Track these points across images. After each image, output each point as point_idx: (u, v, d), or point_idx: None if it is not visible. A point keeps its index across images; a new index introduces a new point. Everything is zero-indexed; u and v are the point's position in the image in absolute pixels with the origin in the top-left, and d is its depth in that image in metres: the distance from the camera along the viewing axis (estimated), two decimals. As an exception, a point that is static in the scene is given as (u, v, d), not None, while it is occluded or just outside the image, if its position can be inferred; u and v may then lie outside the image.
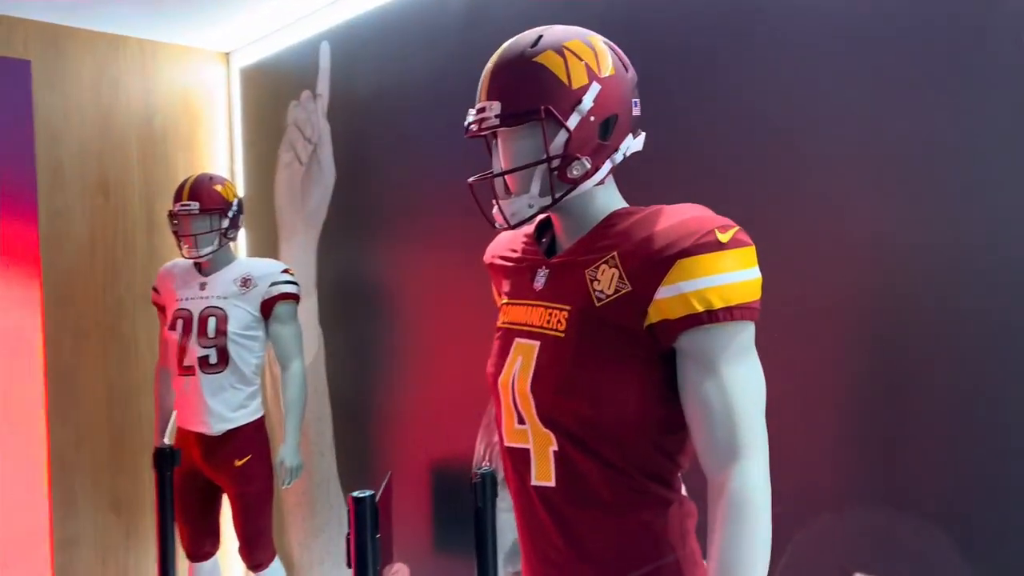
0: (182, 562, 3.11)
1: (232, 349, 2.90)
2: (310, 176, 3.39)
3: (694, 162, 2.04)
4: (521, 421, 1.33)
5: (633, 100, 1.33)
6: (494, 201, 1.34)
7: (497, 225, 1.34)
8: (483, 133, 1.31)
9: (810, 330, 1.84)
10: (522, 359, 1.33)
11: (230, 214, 2.97)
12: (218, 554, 3.11)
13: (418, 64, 2.85)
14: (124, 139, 3.53)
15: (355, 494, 2.11)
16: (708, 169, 2.02)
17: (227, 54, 3.76)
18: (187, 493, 2.98)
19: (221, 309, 2.91)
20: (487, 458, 2.65)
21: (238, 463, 2.94)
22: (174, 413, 3.06)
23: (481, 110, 1.29)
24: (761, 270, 1.23)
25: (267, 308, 2.96)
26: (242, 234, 3.62)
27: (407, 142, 2.93)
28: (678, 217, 1.23)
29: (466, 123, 1.33)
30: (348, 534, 2.14)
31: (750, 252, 1.22)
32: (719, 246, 1.18)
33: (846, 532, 1.79)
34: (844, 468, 1.80)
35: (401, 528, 2.97)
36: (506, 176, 1.31)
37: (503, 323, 1.42)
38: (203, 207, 2.90)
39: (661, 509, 1.28)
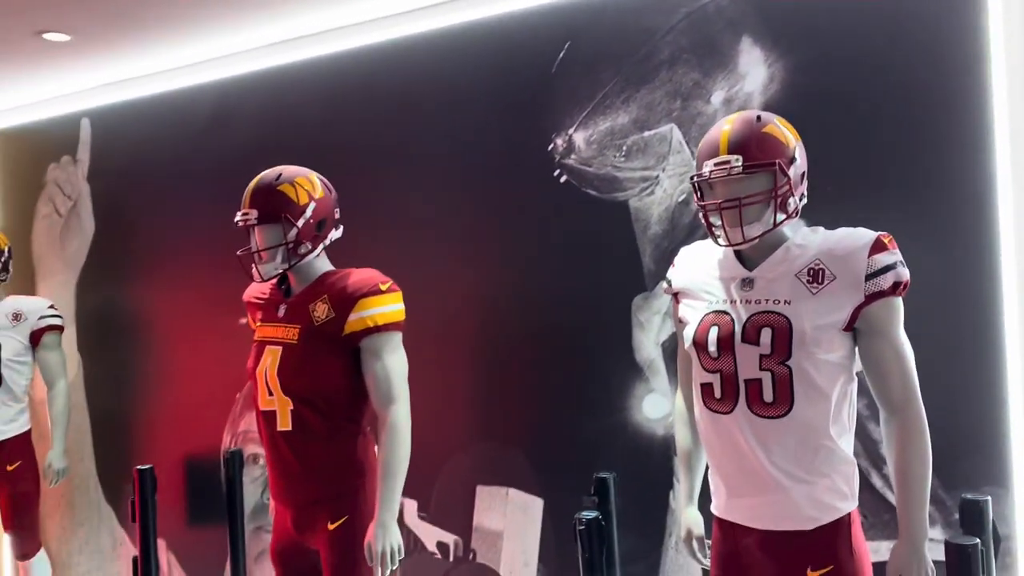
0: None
1: (5, 372, 3.48)
2: (69, 227, 4.02)
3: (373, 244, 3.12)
4: (271, 394, 2.28)
5: (335, 209, 2.35)
6: (253, 264, 2.29)
7: (256, 279, 2.29)
8: (248, 226, 2.26)
9: (445, 334, 2.97)
10: (271, 358, 2.28)
11: (2, 260, 3.55)
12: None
13: (170, 146, 3.66)
14: None
15: (139, 467, 2.90)
16: (388, 240, 3.10)
17: (-18, 115, 4.25)
18: (-41, 498, 3.48)
19: (-5, 339, 3.49)
20: (233, 443, 3.51)
21: (10, 468, 3.51)
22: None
23: (246, 214, 2.25)
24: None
25: (36, 338, 3.56)
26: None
27: (158, 205, 3.72)
28: (360, 275, 2.27)
29: (235, 220, 2.27)
30: (133, 500, 2.92)
31: (398, 295, 2.28)
32: (380, 292, 2.24)
33: (473, 459, 2.93)
34: (468, 418, 2.94)
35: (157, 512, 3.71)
36: (262, 252, 2.27)
37: (258, 338, 2.36)
38: (-22, 254, 3.47)
39: (352, 437, 2.29)
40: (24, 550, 3.58)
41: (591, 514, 2.04)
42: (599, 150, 2.68)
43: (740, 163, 1.78)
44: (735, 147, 1.80)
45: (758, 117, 1.84)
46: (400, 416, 2.24)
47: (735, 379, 1.82)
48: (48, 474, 3.56)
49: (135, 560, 2.88)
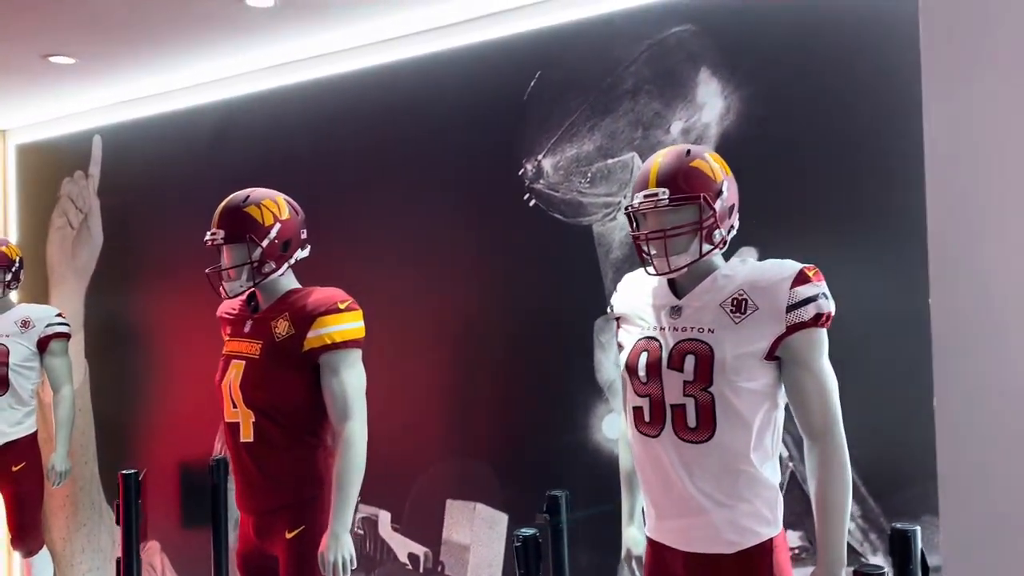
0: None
1: (12, 377, 3.65)
2: (80, 238, 4.21)
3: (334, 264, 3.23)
4: (235, 406, 2.39)
5: (301, 229, 2.46)
6: (221, 282, 2.40)
7: (223, 296, 2.41)
8: (216, 245, 2.38)
9: (420, 351, 3.06)
10: (235, 371, 2.39)
11: (13, 269, 3.73)
12: (-10, 548, 3.79)
13: (174, 163, 3.82)
14: (-93, 202, 4.14)
15: (123, 472, 3.02)
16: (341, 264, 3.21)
17: (3, 132, 4.46)
18: (-34, 496, 3.65)
19: (3, 345, 3.65)
20: (222, 451, 3.63)
21: (15, 468, 3.67)
22: (-47, 429, 3.72)
23: (214, 234, 2.37)
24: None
25: (43, 344, 3.73)
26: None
27: (162, 219, 3.88)
28: (321, 294, 2.37)
29: (205, 239, 2.39)
30: (117, 503, 3.03)
31: (357, 314, 2.37)
32: (339, 311, 2.33)
33: (444, 473, 3.01)
34: (440, 434, 3.03)
35: (153, 514, 3.84)
36: (228, 270, 2.38)
37: (225, 352, 2.48)
38: (-11, 264, 3.65)
39: (312, 450, 2.38)
40: (28, 547, 3.74)
41: (528, 531, 2.10)
42: (566, 176, 2.75)
43: (667, 196, 1.84)
44: (663, 180, 1.86)
45: (688, 151, 1.90)
46: (355, 431, 2.33)
47: (662, 404, 1.88)
48: (51, 475, 3.71)
49: (118, 561, 3.00)
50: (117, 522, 3.02)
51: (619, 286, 2.11)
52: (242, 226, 2.35)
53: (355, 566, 2.29)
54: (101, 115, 4.06)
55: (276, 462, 2.36)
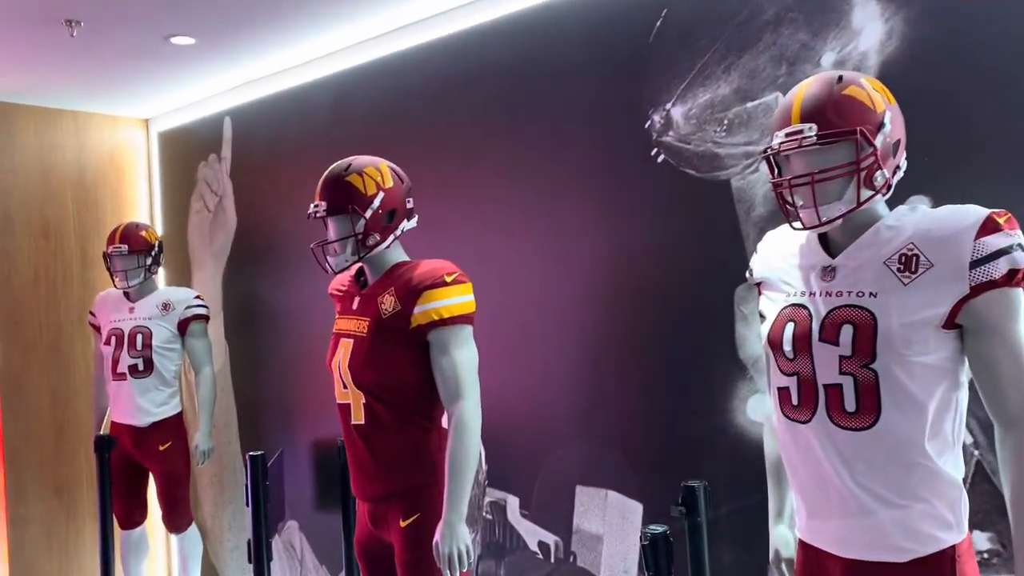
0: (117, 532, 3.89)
1: (156, 359, 3.73)
2: (216, 221, 4.26)
3: (447, 232, 3.04)
4: (345, 387, 2.27)
5: (407, 199, 2.29)
6: (327, 256, 2.27)
7: (328, 271, 2.28)
8: (318, 218, 2.25)
9: (541, 326, 2.84)
10: (343, 350, 2.27)
11: (153, 253, 3.80)
12: (145, 523, 3.91)
13: (298, 139, 3.77)
14: (62, 192, 4.34)
15: (250, 454, 2.99)
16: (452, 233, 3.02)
17: (146, 121, 4.60)
18: (120, 474, 3.77)
19: (147, 328, 3.74)
20: (352, 432, 3.57)
21: (162, 448, 3.75)
22: (108, 410, 3.86)
23: (316, 206, 2.24)
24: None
25: (183, 326, 3.79)
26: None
27: (289, 197, 3.84)
28: (427, 267, 2.19)
29: (308, 213, 2.26)
30: (246, 484, 3.01)
31: (467, 287, 2.19)
32: (445, 284, 2.15)
33: (572, 457, 2.79)
34: (567, 414, 2.80)
35: (291, 493, 3.86)
36: (333, 243, 2.25)
37: (335, 330, 2.36)
38: (131, 249, 3.72)
39: (425, 432, 2.23)
40: (177, 524, 3.84)
41: (658, 529, 1.85)
42: (699, 125, 2.44)
43: (814, 132, 1.53)
44: (809, 114, 1.55)
45: (839, 78, 1.57)
46: (468, 412, 2.15)
47: (814, 384, 1.58)
48: (195, 455, 3.78)
49: (248, 542, 2.98)
50: (246, 503, 3.00)
51: (759, 246, 1.81)
52: (344, 196, 2.21)
53: (473, 557, 2.12)
54: (228, 97, 4.08)
55: (388, 446, 2.22)
